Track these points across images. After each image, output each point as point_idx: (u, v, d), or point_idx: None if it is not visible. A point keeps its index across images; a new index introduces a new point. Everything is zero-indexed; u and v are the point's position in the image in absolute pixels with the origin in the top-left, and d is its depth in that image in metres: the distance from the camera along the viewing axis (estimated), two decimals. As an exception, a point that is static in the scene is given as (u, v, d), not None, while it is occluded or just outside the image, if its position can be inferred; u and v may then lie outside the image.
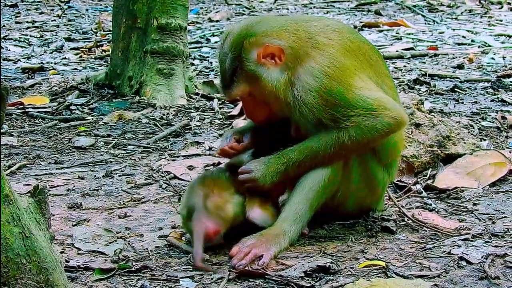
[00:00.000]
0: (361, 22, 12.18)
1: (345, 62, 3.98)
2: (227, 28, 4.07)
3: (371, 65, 4.12)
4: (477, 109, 6.88)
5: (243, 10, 13.92)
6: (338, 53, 3.99)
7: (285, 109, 4.00)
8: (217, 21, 12.69)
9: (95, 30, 11.47)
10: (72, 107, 7.01)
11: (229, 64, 3.94)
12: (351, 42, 4.09)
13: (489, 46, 10.12)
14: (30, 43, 10.64)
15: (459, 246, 3.92)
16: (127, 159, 5.58)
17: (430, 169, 5.08)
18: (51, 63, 9.18)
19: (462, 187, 4.82)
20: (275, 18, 4.21)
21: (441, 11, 13.83)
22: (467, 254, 3.79)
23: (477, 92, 7.60)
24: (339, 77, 3.93)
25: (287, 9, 14.05)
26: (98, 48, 10.00)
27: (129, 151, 5.77)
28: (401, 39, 10.79)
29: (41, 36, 11.16)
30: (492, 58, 9.25)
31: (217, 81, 4.14)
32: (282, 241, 3.87)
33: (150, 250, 3.93)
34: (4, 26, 11.79)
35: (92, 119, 6.64)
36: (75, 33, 11.44)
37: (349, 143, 3.94)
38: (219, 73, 4.07)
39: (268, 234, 3.87)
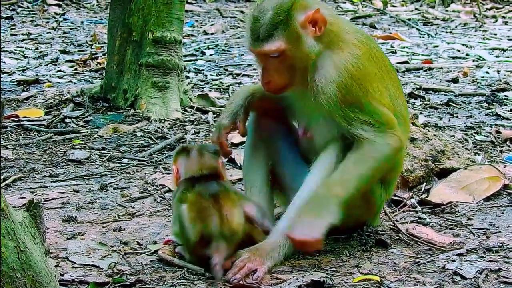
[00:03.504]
0: (356, 35, 12.19)
1: (368, 67, 4.00)
2: None
3: (390, 78, 4.16)
4: (471, 123, 6.89)
5: (238, 23, 13.94)
6: (363, 56, 4.01)
7: (305, 86, 3.97)
8: (212, 34, 12.70)
9: (90, 43, 11.47)
10: (67, 120, 7.01)
11: (272, 17, 3.87)
12: (376, 51, 4.14)
13: (484, 60, 10.15)
14: (25, 55, 10.63)
15: (454, 261, 3.93)
16: (122, 172, 5.58)
17: (425, 183, 5.08)
18: (46, 75, 9.18)
19: (456, 201, 4.83)
20: None
21: (436, 24, 13.88)
22: (461, 269, 3.80)
23: (471, 106, 7.62)
24: (360, 79, 3.95)
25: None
26: (93, 61, 9.99)
27: (124, 164, 5.77)
28: (395, 52, 10.82)
29: (36, 48, 11.16)
30: (487, 72, 9.28)
31: (244, 35, 3.99)
32: (277, 255, 3.88)
33: (145, 264, 3.93)
34: (-1, 38, 11.80)
35: (87, 132, 6.64)
36: (70, 45, 11.44)
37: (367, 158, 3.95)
38: (251, 26, 3.93)
39: (263, 248, 3.87)
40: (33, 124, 6.86)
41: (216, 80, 8.91)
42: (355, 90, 3.93)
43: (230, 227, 3.79)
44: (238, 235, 3.82)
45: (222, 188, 3.92)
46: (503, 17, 14.66)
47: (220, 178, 4.02)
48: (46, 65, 9.91)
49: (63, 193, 5.13)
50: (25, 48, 11.12)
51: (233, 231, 3.80)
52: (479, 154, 5.74)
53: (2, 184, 5.19)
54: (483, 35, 12.46)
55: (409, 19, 14.18)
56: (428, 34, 12.54)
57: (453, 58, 10.42)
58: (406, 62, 9.97)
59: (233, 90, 8.26)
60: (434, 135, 5.28)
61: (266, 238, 3.95)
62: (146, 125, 6.73)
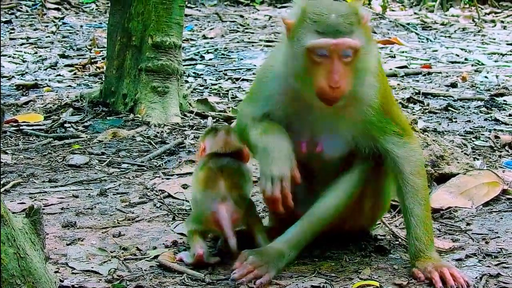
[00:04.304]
0: (355, 40, 12.19)
1: (384, 72, 4.02)
2: None
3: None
4: (470, 128, 6.90)
5: (237, 27, 13.95)
6: (379, 60, 4.00)
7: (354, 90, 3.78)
8: (211, 38, 12.71)
9: (90, 47, 11.48)
10: (66, 125, 7.01)
11: (347, 15, 3.69)
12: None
13: (483, 64, 10.16)
14: (24, 59, 10.64)
15: (453, 266, 3.93)
16: (121, 178, 5.58)
17: (424, 188, 5.08)
18: (45, 80, 9.18)
19: (455, 206, 4.83)
20: None
21: (435, 29, 13.89)
22: (460, 275, 3.80)
23: (470, 111, 7.63)
24: (387, 86, 3.97)
25: (281, 26, 14.07)
26: (93, 65, 10.00)
27: (123, 170, 5.77)
28: (394, 57, 10.82)
29: (35, 52, 11.16)
30: (486, 77, 9.29)
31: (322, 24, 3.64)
32: (281, 264, 3.88)
33: (144, 270, 3.92)
34: (-2, 42, 11.80)
35: (86, 137, 6.64)
36: (69, 49, 11.44)
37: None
38: (322, 21, 3.65)
39: (270, 254, 3.87)
40: (32, 129, 6.87)
41: (216, 84, 8.92)
42: (389, 99, 3.95)
43: (238, 191, 3.90)
44: (245, 200, 3.94)
45: (236, 164, 4.02)
46: (502, 22, 14.68)
47: (243, 159, 4.12)
48: (45, 70, 9.91)
49: (63, 198, 5.13)
50: (24, 52, 11.12)
51: (240, 195, 3.91)
52: (478, 159, 5.74)
53: (2, 190, 5.18)
54: (482, 39, 12.48)
55: (408, 24, 14.19)
56: (427, 39, 12.56)
57: (452, 62, 10.43)
58: (405, 66, 9.98)
59: (233, 95, 8.27)
60: (433, 140, 5.29)
61: (272, 243, 3.96)
62: (145, 130, 6.73)
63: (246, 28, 13.83)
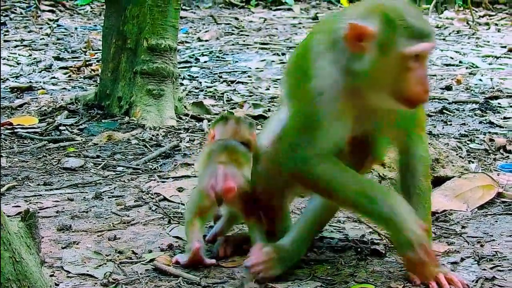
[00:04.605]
0: (349, 42, 12.19)
1: None
2: None
3: None
4: (465, 131, 6.91)
5: (233, 30, 13.94)
6: None
7: None
8: (206, 40, 12.70)
9: (84, 49, 11.46)
10: (61, 128, 7.00)
11: (422, 14, 3.68)
12: None
13: (477, 67, 10.16)
14: (19, 61, 10.61)
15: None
16: (116, 181, 5.57)
17: (419, 191, 5.09)
18: (40, 82, 9.16)
19: (450, 210, 4.84)
20: None
21: (429, 31, 13.89)
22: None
23: (465, 113, 7.64)
24: None
25: (276, 28, 14.08)
26: (87, 68, 9.98)
27: (118, 172, 5.77)
28: (389, 59, 10.80)
29: (30, 54, 11.14)
30: (480, 80, 9.29)
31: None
32: (289, 263, 3.91)
33: (140, 273, 3.92)
34: (-8, 44, 11.78)
35: (81, 139, 6.63)
36: (64, 52, 11.42)
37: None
38: (414, 21, 3.54)
39: (284, 251, 3.90)
40: (27, 132, 6.85)
41: (211, 87, 8.91)
42: None
43: (240, 166, 3.99)
44: (245, 180, 3.99)
45: (241, 147, 4.10)
46: (496, 24, 14.69)
47: (250, 149, 4.18)
48: (40, 72, 9.89)
49: (58, 201, 5.12)
50: (19, 55, 11.10)
51: (241, 171, 3.98)
52: (473, 162, 5.75)
53: (-3, 193, 5.18)
54: (476, 42, 12.48)
55: (403, 26, 14.18)
56: (422, 41, 12.55)
57: (447, 65, 10.43)
58: (400, 69, 9.97)
59: (228, 97, 8.26)
60: (429, 143, 5.29)
61: (281, 241, 3.97)
62: (140, 133, 6.73)
63: (241, 31, 13.82)
